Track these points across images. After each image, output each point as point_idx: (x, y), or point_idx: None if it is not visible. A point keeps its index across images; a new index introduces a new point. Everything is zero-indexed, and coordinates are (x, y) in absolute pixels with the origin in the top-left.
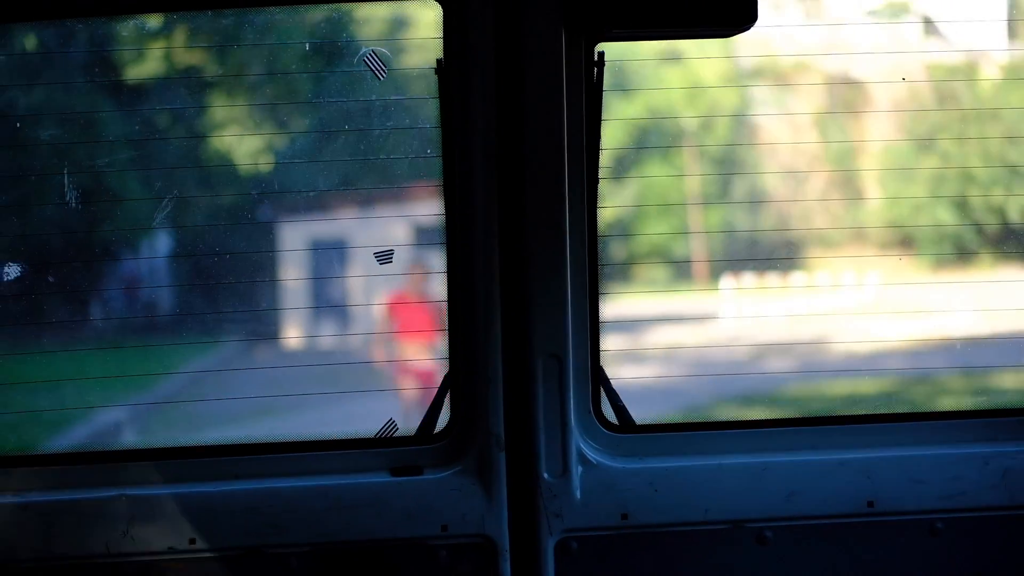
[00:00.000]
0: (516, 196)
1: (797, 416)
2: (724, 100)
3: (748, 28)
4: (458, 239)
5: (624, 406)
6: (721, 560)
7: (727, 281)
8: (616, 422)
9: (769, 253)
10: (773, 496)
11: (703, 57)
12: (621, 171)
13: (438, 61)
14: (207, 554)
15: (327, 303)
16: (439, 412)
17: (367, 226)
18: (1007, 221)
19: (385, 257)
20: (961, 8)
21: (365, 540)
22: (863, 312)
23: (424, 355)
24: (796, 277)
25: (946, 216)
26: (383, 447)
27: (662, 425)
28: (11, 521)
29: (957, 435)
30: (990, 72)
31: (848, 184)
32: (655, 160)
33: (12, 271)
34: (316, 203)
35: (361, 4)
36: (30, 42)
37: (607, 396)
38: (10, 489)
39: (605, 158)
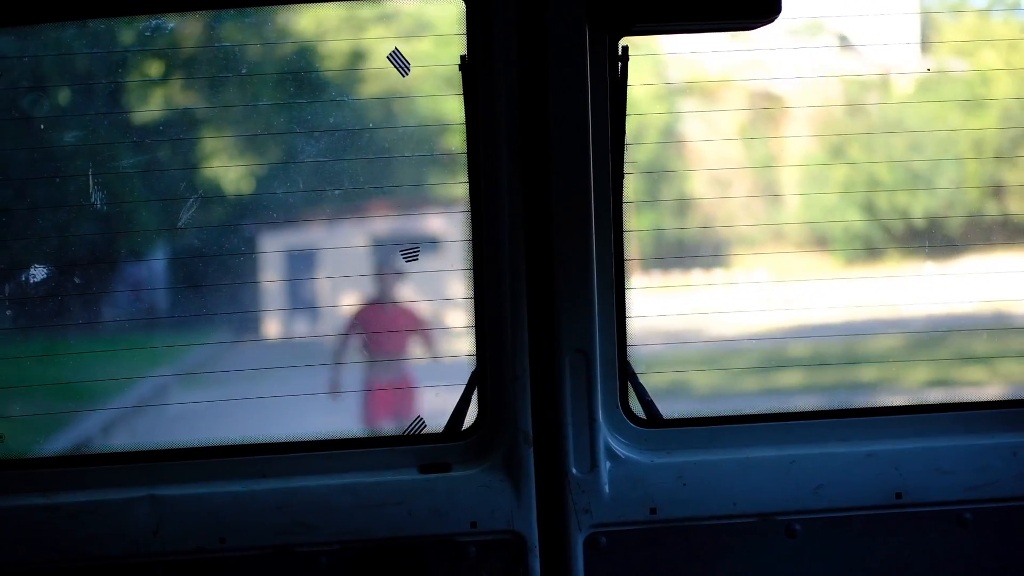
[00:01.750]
0: (541, 192)
1: (825, 408)
2: (654, 117)
3: (772, 20)
4: (483, 235)
5: (651, 400)
6: (750, 553)
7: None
8: (644, 416)
9: (690, 252)
10: (801, 489)
11: (636, 84)
12: None
13: (462, 58)
14: (237, 553)
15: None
16: (467, 409)
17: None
18: (910, 220)
19: (411, 254)
20: (875, 29)
21: (394, 537)
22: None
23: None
24: (707, 275)
25: (855, 215)
26: (411, 444)
27: (690, 419)
28: (39, 521)
29: (985, 426)
30: (899, 86)
31: (768, 189)
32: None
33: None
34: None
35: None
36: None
37: (634, 390)
38: (38, 490)
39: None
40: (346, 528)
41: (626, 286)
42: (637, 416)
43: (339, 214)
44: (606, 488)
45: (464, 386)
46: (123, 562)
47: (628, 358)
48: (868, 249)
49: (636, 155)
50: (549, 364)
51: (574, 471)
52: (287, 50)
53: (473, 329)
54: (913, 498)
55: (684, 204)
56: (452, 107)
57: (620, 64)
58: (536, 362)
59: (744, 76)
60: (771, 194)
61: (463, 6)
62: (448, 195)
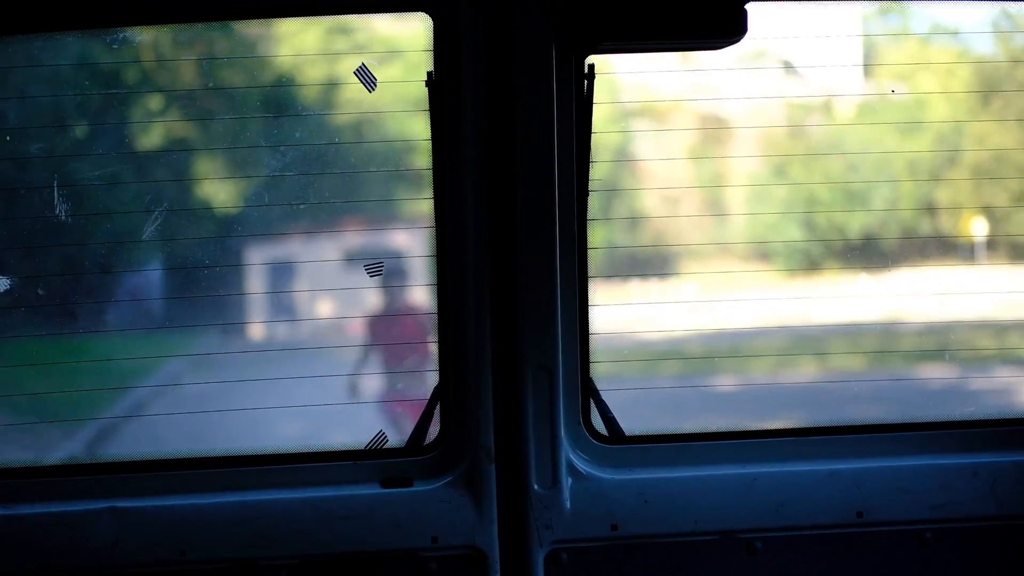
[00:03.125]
0: (506, 208)
1: (787, 427)
2: (607, 137)
3: (737, 40)
4: (448, 251)
5: (614, 417)
6: (711, 571)
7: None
8: (606, 433)
9: (639, 267)
10: (763, 506)
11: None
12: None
13: (429, 74)
14: (198, 566)
15: None
16: (429, 424)
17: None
18: (847, 237)
19: (375, 269)
20: (818, 53)
21: (356, 552)
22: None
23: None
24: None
25: (796, 233)
26: (373, 459)
27: (652, 436)
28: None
29: (947, 445)
30: (839, 109)
31: (714, 206)
32: None
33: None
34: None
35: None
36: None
37: (597, 407)
38: None
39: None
40: (307, 542)
41: (590, 303)
42: (599, 433)
43: (306, 229)
44: (567, 504)
45: (427, 401)
46: (83, 574)
47: (591, 375)
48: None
49: (594, 172)
50: (512, 380)
51: (536, 487)
52: (262, 67)
53: (436, 344)
54: (874, 517)
55: (636, 220)
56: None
57: (586, 82)
58: (499, 378)
59: (692, 98)
60: (717, 212)
61: (430, 23)
62: (414, 211)
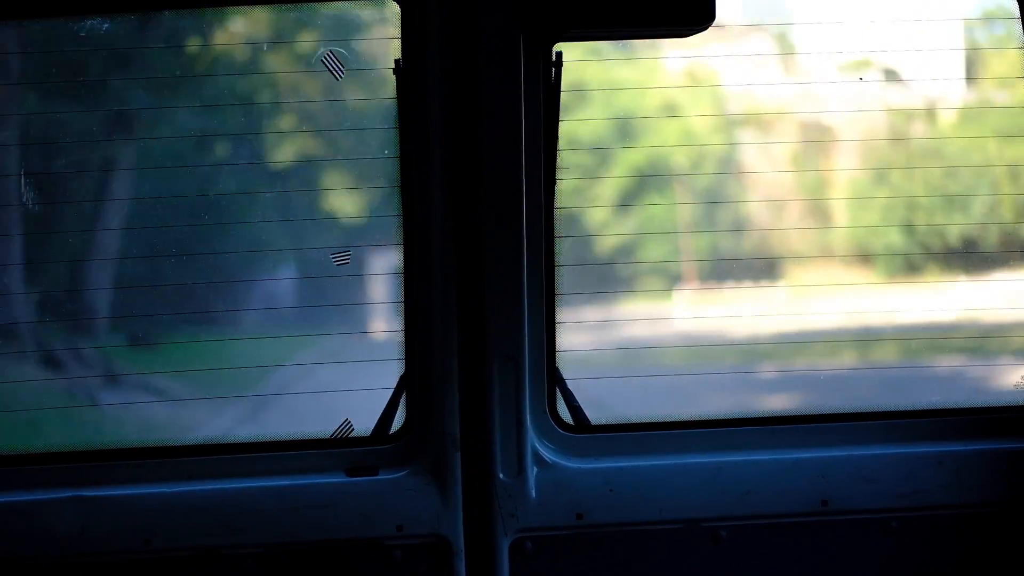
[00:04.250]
0: (472, 197)
1: (752, 416)
2: (713, 146)
3: (705, 27)
4: (414, 240)
5: (579, 406)
6: (676, 559)
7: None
8: (571, 422)
9: (742, 271)
10: (728, 495)
11: (697, 115)
12: (628, 201)
13: (396, 62)
14: (163, 555)
15: None
16: (395, 412)
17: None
18: (948, 242)
19: (342, 257)
20: (921, 65)
21: (321, 540)
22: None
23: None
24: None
25: (897, 239)
26: (338, 447)
27: (617, 425)
28: None
29: (911, 434)
30: (941, 117)
31: (818, 212)
32: (653, 194)
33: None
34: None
35: (320, 4)
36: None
37: (562, 396)
38: None
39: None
40: (272, 531)
41: (556, 291)
42: (565, 422)
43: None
44: (533, 493)
45: (392, 390)
46: (49, 563)
47: (556, 363)
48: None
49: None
50: (478, 369)
51: (501, 476)
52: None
53: (403, 333)
54: (839, 506)
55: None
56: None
57: (554, 69)
58: (465, 367)
59: (797, 108)
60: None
61: (397, 9)
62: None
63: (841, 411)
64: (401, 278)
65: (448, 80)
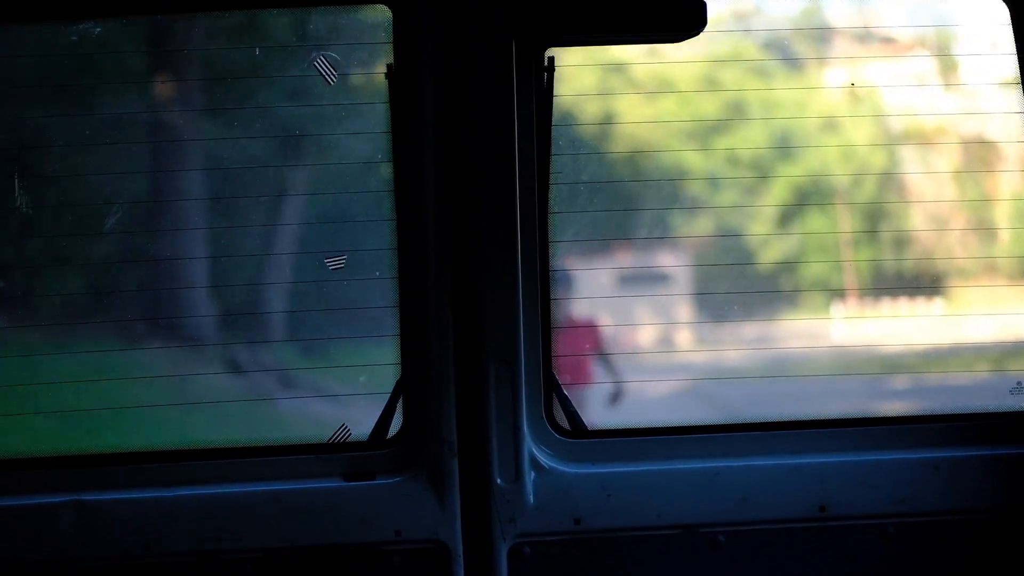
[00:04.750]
0: (467, 201)
1: (749, 421)
2: (873, 159)
3: (697, 33)
4: (409, 244)
5: (576, 411)
6: (674, 565)
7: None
8: (568, 427)
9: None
10: (725, 501)
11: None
12: (787, 222)
13: (388, 66)
14: (162, 560)
15: None
16: (392, 417)
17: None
18: None
19: (337, 264)
20: None
21: (319, 545)
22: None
23: None
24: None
25: None
26: (336, 452)
27: (614, 430)
28: None
29: (909, 440)
30: None
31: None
32: (815, 213)
33: None
34: None
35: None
36: None
37: (559, 401)
38: None
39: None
40: (271, 535)
41: (551, 296)
42: (561, 427)
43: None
44: (530, 498)
45: (389, 395)
46: (47, 567)
47: (553, 368)
48: None
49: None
50: (474, 374)
51: (498, 481)
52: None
53: (398, 338)
54: (837, 511)
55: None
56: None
57: (546, 74)
58: (461, 372)
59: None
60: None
61: (389, 14)
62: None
63: (839, 417)
64: (396, 282)
65: (441, 85)
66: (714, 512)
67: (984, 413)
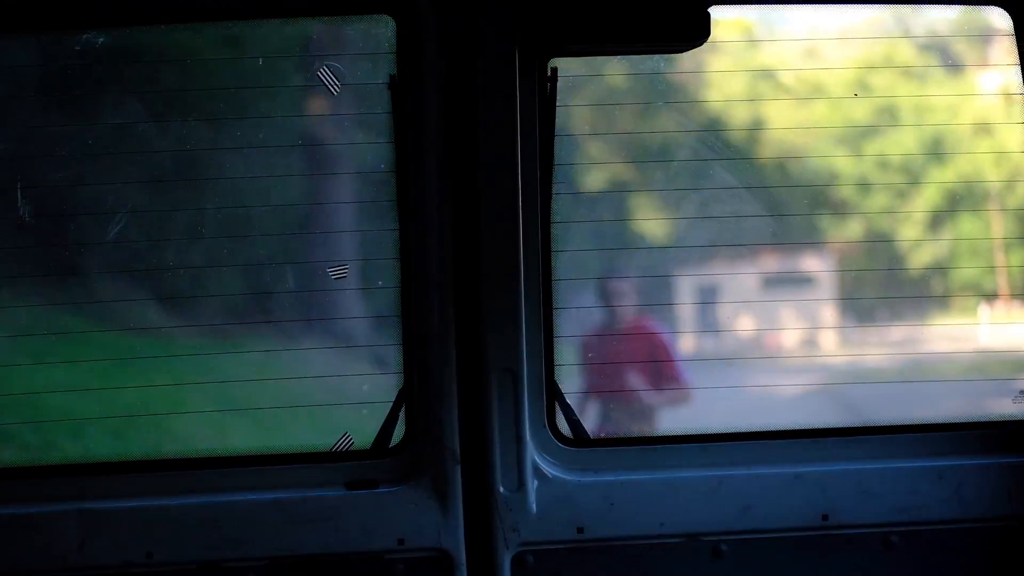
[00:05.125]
0: (470, 211)
1: (752, 430)
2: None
3: (701, 43)
4: (412, 254)
5: (578, 420)
6: (677, 574)
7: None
8: (571, 436)
9: None
10: (728, 510)
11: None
12: (937, 225)
13: (391, 76)
14: (164, 568)
15: None
16: (394, 426)
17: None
18: None
19: (340, 273)
20: None
21: (322, 554)
22: None
23: None
24: None
25: None
26: (339, 461)
27: (617, 439)
28: None
29: (911, 449)
30: None
31: None
32: (967, 218)
33: None
34: None
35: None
36: None
37: (561, 410)
38: None
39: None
40: (274, 544)
41: (554, 305)
42: (564, 435)
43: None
44: (533, 507)
45: (391, 403)
46: None
47: (555, 377)
48: None
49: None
50: (477, 383)
51: (501, 489)
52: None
53: (401, 347)
54: (839, 520)
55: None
56: None
57: (549, 84)
58: (464, 380)
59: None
60: None
61: (393, 24)
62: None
63: (841, 425)
64: (398, 291)
65: (444, 94)
66: (717, 521)
67: (988, 422)
